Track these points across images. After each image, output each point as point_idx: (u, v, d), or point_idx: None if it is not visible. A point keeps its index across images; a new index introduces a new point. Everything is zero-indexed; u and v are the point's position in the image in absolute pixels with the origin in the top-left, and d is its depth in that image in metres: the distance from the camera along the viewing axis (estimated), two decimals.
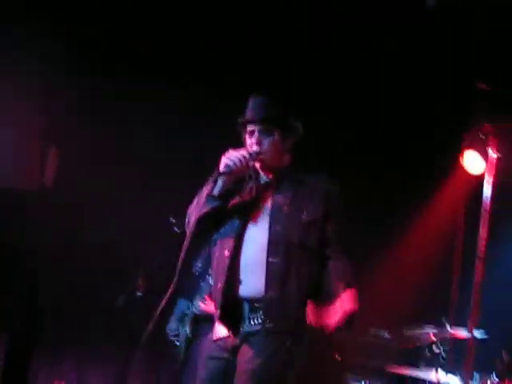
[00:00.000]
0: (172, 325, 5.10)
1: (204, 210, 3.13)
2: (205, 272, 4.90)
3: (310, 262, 3.14)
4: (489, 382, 4.95)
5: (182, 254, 3.01)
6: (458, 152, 4.92)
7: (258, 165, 3.28)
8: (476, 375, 5.04)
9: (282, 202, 3.22)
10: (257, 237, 3.19)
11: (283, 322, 3.14)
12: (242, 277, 3.19)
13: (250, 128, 3.28)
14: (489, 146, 2.94)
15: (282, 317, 3.14)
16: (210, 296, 4.63)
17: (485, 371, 5.07)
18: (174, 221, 5.03)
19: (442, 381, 4.73)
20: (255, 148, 3.23)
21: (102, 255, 6.02)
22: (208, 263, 4.70)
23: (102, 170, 5.91)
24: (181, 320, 5.04)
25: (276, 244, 3.14)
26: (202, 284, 4.91)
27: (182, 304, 5.10)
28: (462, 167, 5.15)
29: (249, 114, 3.31)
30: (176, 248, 4.93)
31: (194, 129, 6.08)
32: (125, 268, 5.72)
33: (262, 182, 3.32)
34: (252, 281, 3.18)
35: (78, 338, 6.06)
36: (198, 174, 5.89)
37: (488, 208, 2.84)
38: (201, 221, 3.12)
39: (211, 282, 4.56)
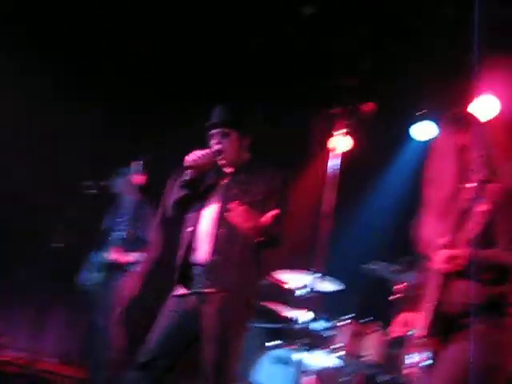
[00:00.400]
0: (85, 274, 5.74)
1: (176, 197, 3.81)
2: (111, 228, 5.68)
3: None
4: (344, 321, 5.51)
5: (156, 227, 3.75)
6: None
7: (220, 161, 3.85)
8: (335, 316, 5.62)
9: (233, 188, 3.75)
10: (211, 215, 3.72)
11: (228, 283, 3.58)
12: (196, 246, 3.71)
13: (212, 132, 3.85)
14: (338, 125, 3.60)
15: (227, 279, 3.58)
16: (119, 247, 5.44)
17: (341, 313, 5.62)
18: (88, 183, 5.61)
19: (303, 318, 5.55)
20: (217, 147, 3.78)
21: (25, 207, 6.46)
22: (113, 222, 5.72)
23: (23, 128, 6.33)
24: (93, 269, 5.68)
25: (223, 219, 3.63)
26: (110, 238, 5.59)
27: (93, 256, 5.76)
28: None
29: (211, 121, 3.90)
30: (91, 206, 5.61)
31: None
32: (46, 220, 6.07)
33: (223, 174, 3.85)
34: (203, 249, 3.67)
35: (1, 286, 6.52)
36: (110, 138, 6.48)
37: (336, 175, 3.53)
38: (175, 204, 3.82)
39: (120, 235, 5.29)
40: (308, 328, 5.59)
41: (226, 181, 3.84)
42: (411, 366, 3.08)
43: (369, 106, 3.65)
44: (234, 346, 3.59)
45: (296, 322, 5.69)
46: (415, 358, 3.07)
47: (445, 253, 2.97)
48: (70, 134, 6.50)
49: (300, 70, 6.35)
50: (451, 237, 3.00)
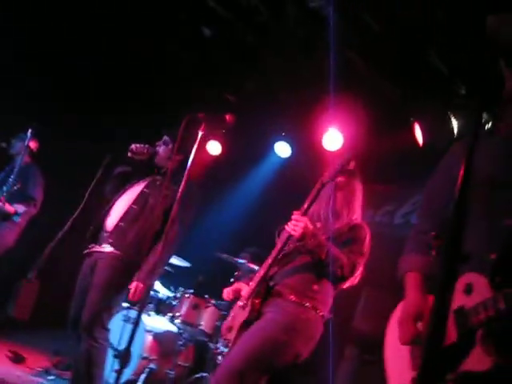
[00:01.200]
0: None
1: (117, 171, 4.55)
2: (2, 183, 6.08)
3: (157, 219, 4.15)
4: (186, 294, 5.88)
5: (110, 197, 4.38)
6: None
7: (156, 159, 4.59)
8: (180, 289, 6.04)
9: (157, 180, 4.45)
10: (133, 194, 4.40)
11: (123, 247, 4.14)
12: (112, 214, 4.33)
13: (164, 136, 4.64)
14: (199, 128, 3.78)
15: (124, 244, 4.15)
16: (5, 198, 5.93)
17: (185, 287, 6.02)
18: (4, 145, 6.13)
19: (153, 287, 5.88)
20: (156, 148, 4.61)
21: None
22: (5, 178, 6.12)
23: None
24: None
25: (140, 199, 4.32)
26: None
27: None
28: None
29: (168, 128, 4.64)
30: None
31: None
32: None
33: (159, 170, 4.61)
34: (114, 217, 4.29)
35: None
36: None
37: (187, 173, 3.69)
38: (114, 175, 4.56)
39: (8, 189, 5.83)
40: (156, 296, 6.11)
41: (156, 175, 4.57)
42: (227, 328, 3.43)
43: (230, 117, 3.89)
44: (111, 298, 4.13)
45: None
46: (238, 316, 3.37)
47: (294, 217, 3.32)
48: None
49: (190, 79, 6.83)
50: (305, 208, 3.37)
